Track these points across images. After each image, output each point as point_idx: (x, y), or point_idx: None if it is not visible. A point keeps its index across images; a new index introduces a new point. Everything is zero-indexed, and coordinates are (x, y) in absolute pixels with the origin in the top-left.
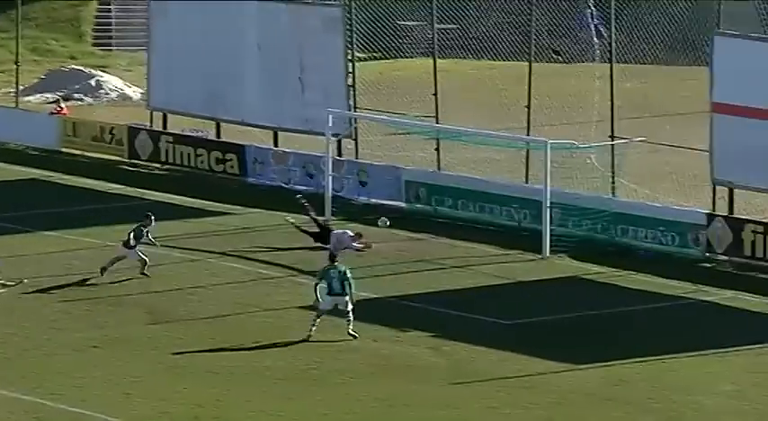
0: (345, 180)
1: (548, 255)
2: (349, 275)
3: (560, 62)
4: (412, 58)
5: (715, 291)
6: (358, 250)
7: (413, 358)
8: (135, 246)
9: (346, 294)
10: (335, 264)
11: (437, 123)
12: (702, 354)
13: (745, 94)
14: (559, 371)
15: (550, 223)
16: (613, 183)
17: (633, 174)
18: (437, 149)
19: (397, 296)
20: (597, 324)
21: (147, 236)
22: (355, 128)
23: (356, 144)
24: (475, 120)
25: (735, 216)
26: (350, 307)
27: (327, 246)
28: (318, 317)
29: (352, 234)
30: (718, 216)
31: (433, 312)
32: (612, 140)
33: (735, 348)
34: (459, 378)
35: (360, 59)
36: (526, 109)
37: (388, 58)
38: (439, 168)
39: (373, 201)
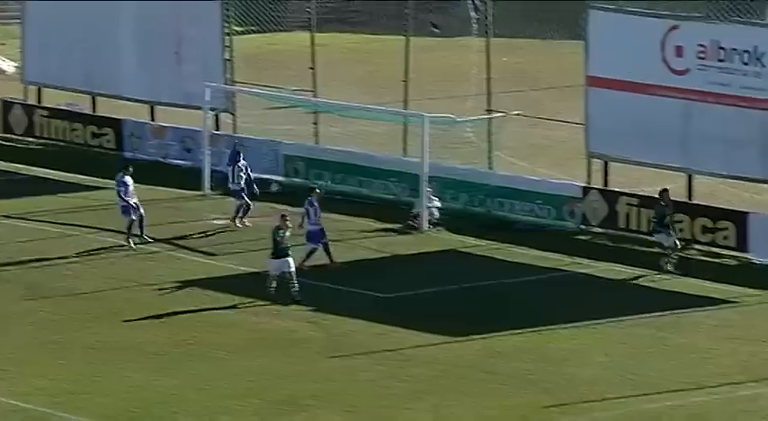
0: (223, 154)
1: (426, 228)
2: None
3: (438, 36)
4: (290, 31)
5: (590, 262)
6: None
7: (292, 332)
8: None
9: (290, 254)
10: (287, 223)
11: (315, 97)
12: (578, 326)
13: (619, 68)
14: (437, 343)
15: (428, 196)
16: (491, 156)
17: (510, 148)
18: (315, 123)
19: None
20: (475, 297)
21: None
22: (233, 102)
23: (234, 118)
24: (353, 94)
25: (609, 189)
26: (293, 268)
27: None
28: (272, 282)
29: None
30: (594, 189)
31: (312, 286)
32: (490, 114)
33: (609, 320)
34: (338, 351)
35: (237, 33)
36: (404, 83)
37: (266, 32)
38: (317, 142)
39: (252, 175)
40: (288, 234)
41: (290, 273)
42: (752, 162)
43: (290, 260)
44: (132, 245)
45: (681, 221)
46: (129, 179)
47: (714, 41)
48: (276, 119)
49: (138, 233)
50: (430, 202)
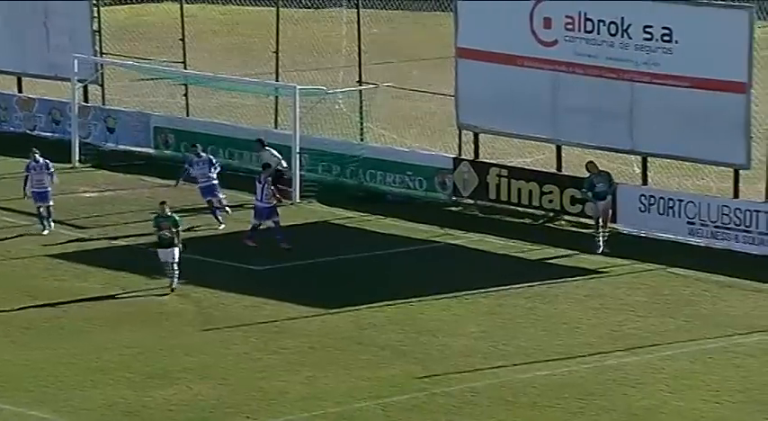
0: (92, 126)
1: (298, 200)
2: (179, 222)
3: (308, 7)
4: (159, 2)
5: (462, 234)
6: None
7: (162, 305)
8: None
9: (175, 245)
10: (166, 210)
11: (185, 69)
12: (449, 297)
13: (488, 40)
14: (310, 315)
15: (300, 168)
16: (362, 128)
17: (381, 120)
18: (185, 95)
19: (146, 244)
20: (347, 268)
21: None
22: (102, 73)
23: (103, 90)
24: (224, 65)
25: (480, 160)
26: (176, 259)
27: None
28: (166, 269)
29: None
30: (464, 160)
31: (183, 259)
32: (361, 86)
33: (480, 290)
34: (210, 324)
35: (105, 4)
36: (274, 54)
37: (134, 3)
38: (188, 114)
39: (121, 147)
40: (171, 221)
41: (172, 263)
42: (619, 133)
43: (175, 251)
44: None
45: (550, 192)
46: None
47: (581, 13)
48: (146, 90)
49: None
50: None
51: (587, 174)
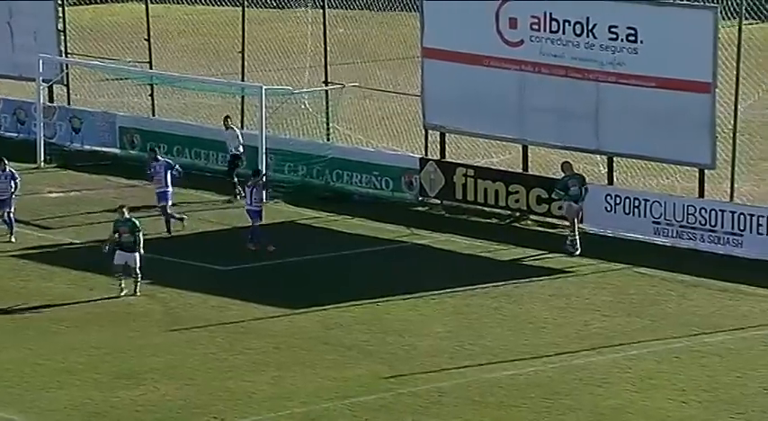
0: (58, 126)
1: (265, 200)
2: (139, 227)
3: (274, 7)
4: (124, 2)
5: (428, 234)
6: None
7: (129, 306)
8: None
9: (136, 250)
10: (125, 214)
11: (151, 69)
12: (416, 297)
13: (454, 40)
14: (276, 316)
15: (267, 169)
16: (328, 128)
17: (347, 120)
18: (151, 95)
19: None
20: (314, 269)
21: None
22: (67, 73)
23: (68, 90)
24: (189, 65)
25: (446, 160)
26: (138, 264)
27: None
28: (119, 277)
29: None
30: (431, 160)
31: (148, 259)
32: (327, 86)
33: (447, 290)
34: (176, 324)
35: (70, 4)
36: (240, 54)
37: (99, 3)
38: (153, 114)
39: (87, 147)
40: (130, 225)
41: (133, 268)
42: (585, 133)
43: (136, 256)
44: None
45: (517, 192)
46: None
47: (547, 13)
48: (111, 91)
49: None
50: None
51: (562, 175)
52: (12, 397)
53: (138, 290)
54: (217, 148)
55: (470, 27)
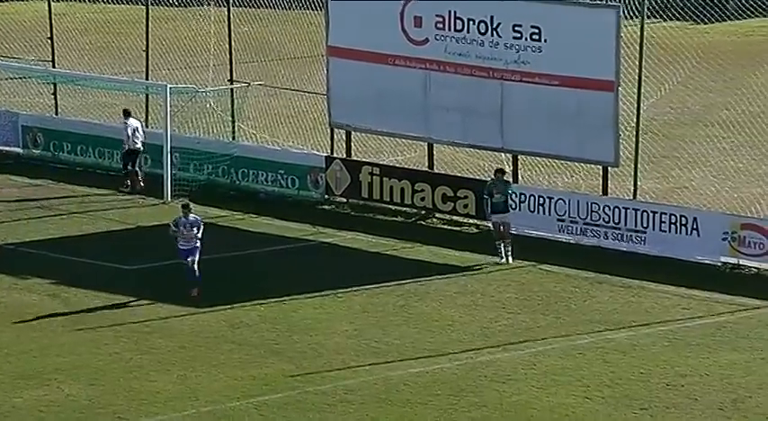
0: None
1: (169, 199)
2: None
3: (177, 6)
4: (27, 1)
5: (334, 232)
6: None
7: (32, 306)
8: None
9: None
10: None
11: (54, 68)
12: (322, 295)
13: (359, 38)
14: (181, 315)
15: (171, 168)
16: (234, 126)
17: (253, 118)
18: (54, 94)
19: (15, 243)
20: (219, 267)
21: None
22: None
23: None
24: (93, 64)
25: (352, 158)
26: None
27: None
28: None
29: None
30: (336, 159)
31: (53, 259)
32: (231, 84)
33: (353, 288)
34: (81, 324)
35: None
36: (144, 53)
37: (1, 1)
38: (57, 113)
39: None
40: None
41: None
42: (490, 132)
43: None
44: None
45: (422, 190)
46: None
47: (452, 12)
48: (13, 89)
49: None
50: None
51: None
52: None
53: None
54: (120, 147)
55: (375, 25)
